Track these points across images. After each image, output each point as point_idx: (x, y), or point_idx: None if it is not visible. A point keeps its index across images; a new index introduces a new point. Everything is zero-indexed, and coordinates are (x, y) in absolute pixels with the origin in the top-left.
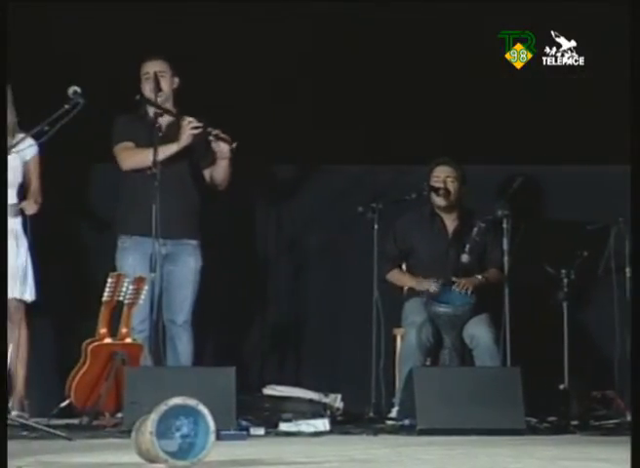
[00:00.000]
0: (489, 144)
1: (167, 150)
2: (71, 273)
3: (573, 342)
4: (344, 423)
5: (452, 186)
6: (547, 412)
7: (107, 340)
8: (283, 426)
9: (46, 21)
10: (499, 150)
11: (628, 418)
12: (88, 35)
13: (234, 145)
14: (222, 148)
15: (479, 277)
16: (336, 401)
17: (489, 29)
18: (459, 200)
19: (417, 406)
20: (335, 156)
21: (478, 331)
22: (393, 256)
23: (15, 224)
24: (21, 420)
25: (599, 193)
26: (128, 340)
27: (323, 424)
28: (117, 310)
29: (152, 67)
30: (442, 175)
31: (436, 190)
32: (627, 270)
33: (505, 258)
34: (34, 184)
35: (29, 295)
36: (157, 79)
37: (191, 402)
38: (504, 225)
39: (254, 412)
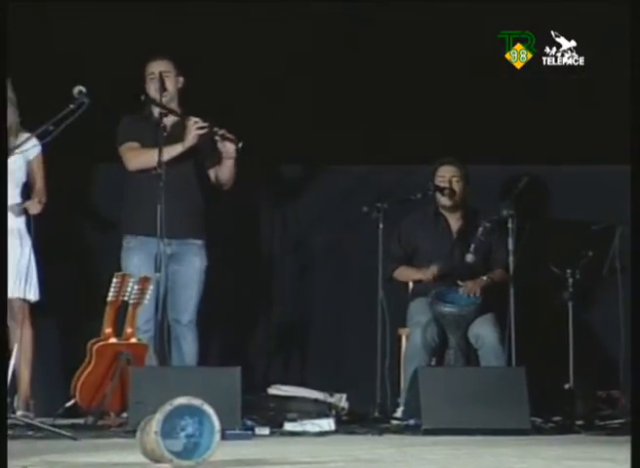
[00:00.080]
0: (489, 144)
1: (172, 151)
2: (76, 273)
3: (578, 342)
4: (349, 423)
5: (457, 186)
6: (552, 412)
7: (112, 340)
8: (288, 426)
9: (49, 21)
10: (499, 150)
11: None
12: (91, 35)
13: (240, 145)
14: (228, 148)
15: (484, 278)
16: (341, 400)
17: (489, 29)
18: (463, 200)
19: (422, 405)
20: (339, 156)
21: (483, 331)
22: (398, 256)
23: (18, 224)
24: (27, 420)
25: (604, 193)
26: (133, 340)
27: (328, 424)
28: (122, 310)
29: (157, 67)
30: (447, 175)
31: (441, 190)
32: None
33: (510, 258)
34: (38, 184)
35: (33, 295)
36: (162, 79)
37: (196, 402)
38: (510, 225)
39: (259, 412)
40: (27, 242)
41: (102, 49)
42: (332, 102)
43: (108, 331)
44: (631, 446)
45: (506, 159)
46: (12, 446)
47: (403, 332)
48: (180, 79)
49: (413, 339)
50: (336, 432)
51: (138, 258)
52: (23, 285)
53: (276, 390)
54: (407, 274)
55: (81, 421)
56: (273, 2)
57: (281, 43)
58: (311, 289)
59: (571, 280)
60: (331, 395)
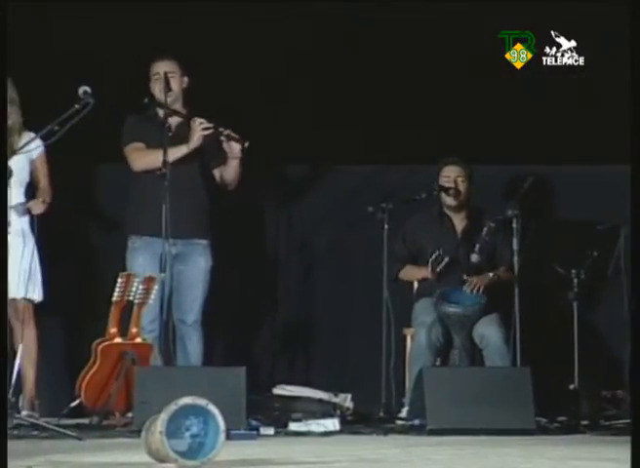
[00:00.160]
0: (491, 144)
1: (177, 152)
2: (80, 273)
3: (583, 342)
4: (354, 423)
5: (462, 186)
6: (557, 412)
7: (117, 340)
8: (293, 426)
9: (54, 21)
10: (501, 150)
11: None
12: (95, 35)
13: (246, 144)
14: (234, 148)
15: (490, 275)
16: (345, 401)
17: (489, 29)
18: (468, 200)
19: (427, 406)
20: (344, 156)
21: (488, 331)
22: (403, 257)
23: (22, 224)
24: (32, 420)
25: (609, 193)
26: (138, 340)
27: (333, 424)
28: (127, 310)
29: (162, 67)
30: (452, 175)
31: (446, 190)
32: None
33: (515, 258)
34: (42, 183)
35: (37, 295)
36: (167, 79)
37: (201, 401)
38: (514, 225)
39: (264, 412)
40: (31, 242)
41: (107, 49)
42: (337, 103)
43: (113, 330)
44: (631, 446)
45: (509, 159)
46: (17, 445)
47: (408, 333)
48: (185, 79)
49: (417, 339)
50: (340, 432)
51: (143, 259)
52: (28, 285)
53: (281, 390)
54: (412, 273)
55: (86, 421)
56: (277, 2)
57: (286, 43)
58: (316, 289)
59: (576, 280)
60: (335, 395)
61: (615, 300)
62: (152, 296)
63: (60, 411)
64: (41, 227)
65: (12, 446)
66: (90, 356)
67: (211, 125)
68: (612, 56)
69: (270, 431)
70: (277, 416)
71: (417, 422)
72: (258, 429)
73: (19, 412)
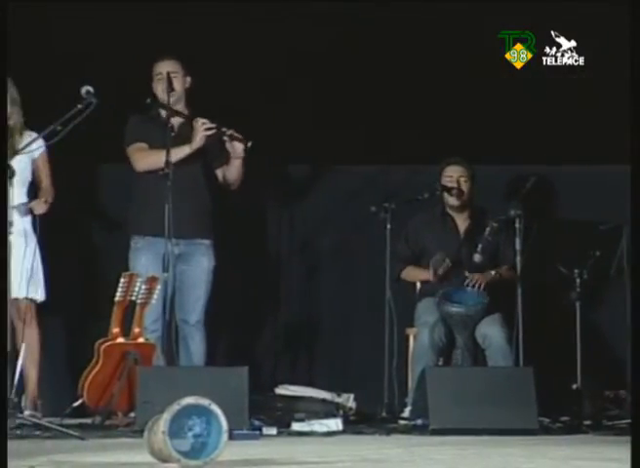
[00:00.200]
0: (492, 144)
1: (180, 152)
2: (82, 273)
3: (585, 342)
4: (357, 423)
5: (465, 186)
6: (560, 412)
7: (120, 340)
8: (295, 426)
9: (55, 21)
10: (502, 150)
11: None
12: (97, 35)
13: (249, 144)
14: (237, 148)
15: (492, 272)
16: (348, 400)
17: (489, 29)
18: (470, 200)
19: (429, 405)
20: (347, 156)
21: (491, 331)
22: (405, 257)
23: (24, 223)
24: (34, 420)
25: (612, 193)
26: (140, 340)
27: (336, 424)
28: (130, 310)
29: (165, 67)
30: (455, 175)
31: (449, 190)
32: None
33: (518, 258)
34: (44, 183)
35: (40, 295)
36: (170, 79)
37: (204, 401)
38: (517, 225)
39: (266, 412)
40: (33, 241)
41: (109, 49)
42: (339, 103)
43: (116, 330)
44: (631, 446)
45: (511, 159)
46: (19, 445)
47: (410, 332)
48: (188, 79)
49: (420, 339)
50: (343, 432)
51: (145, 259)
52: (30, 285)
53: (284, 390)
54: (414, 274)
55: (88, 421)
56: (279, 2)
57: (288, 43)
58: (319, 289)
59: (578, 280)
60: (338, 395)
61: (617, 300)
62: (155, 296)
63: (62, 411)
64: (43, 227)
65: (14, 445)
66: (92, 356)
67: (213, 125)
68: (612, 56)
69: (273, 431)
70: (280, 416)
71: (419, 422)
72: (260, 429)
73: (21, 412)
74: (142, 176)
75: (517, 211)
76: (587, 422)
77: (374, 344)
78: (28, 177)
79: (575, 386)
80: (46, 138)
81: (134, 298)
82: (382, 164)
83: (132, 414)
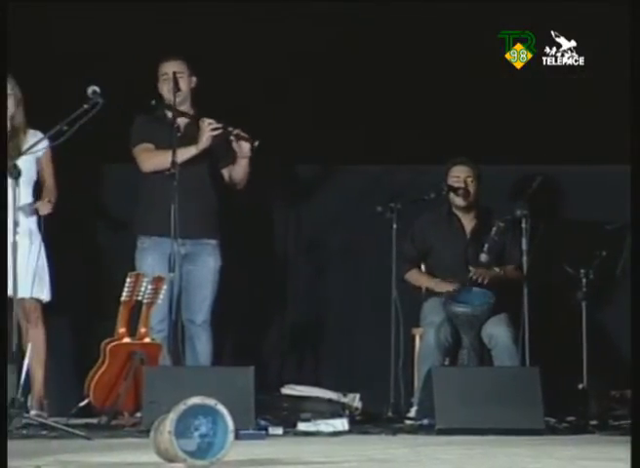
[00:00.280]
0: (497, 144)
1: (186, 153)
2: (88, 273)
3: (591, 342)
4: (363, 423)
5: (472, 186)
6: (566, 412)
7: (126, 340)
8: (301, 426)
9: (60, 21)
10: (507, 150)
11: None
12: (100, 35)
13: (256, 144)
14: (243, 147)
15: (496, 270)
16: (354, 400)
17: (489, 29)
18: (476, 200)
19: (435, 405)
20: (353, 156)
21: (497, 331)
22: (411, 257)
23: (30, 224)
24: (40, 419)
25: (617, 193)
26: (147, 340)
27: (342, 424)
28: (136, 310)
29: (171, 68)
30: (462, 175)
31: (455, 190)
32: None
33: (524, 258)
34: (48, 181)
35: (45, 295)
36: (175, 79)
37: (210, 401)
38: (523, 225)
39: (272, 412)
40: (38, 241)
41: (114, 49)
42: (345, 103)
43: (122, 330)
44: (631, 446)
45: (517, 159)
46: (25, 445)
47: (417, 332)
48: (194, 79)
49: (426, 339)
50: (349, 432)
51: (152, 259)
52: (36, 285)
53: (290, 390)
54: (419, 280)
55: (95, 421)
56: (286, 2)
57: (294, 43)
58: (325, 288)
59: (584, 280)
60: (344, 395)
61: (623, 300)
62: (161, 296)
63: (68, 411)
64: (49, 227)
65: (20, 445)
66: (98, 356)
67: (220, 125)
68: (612, 56)
69: (279, 431)
70: (286, 416)
71: (425, 422)
72: (266, 429)
73: (27, 412)
74: (149, 177)
75: (523, 211)
76: (594, 422)
77: (380, 344)
78: (33, 177)
79: (581, 386)
80: (52, 138)
81: (140, 298)
82: (388, 164)
83: (138, 414)
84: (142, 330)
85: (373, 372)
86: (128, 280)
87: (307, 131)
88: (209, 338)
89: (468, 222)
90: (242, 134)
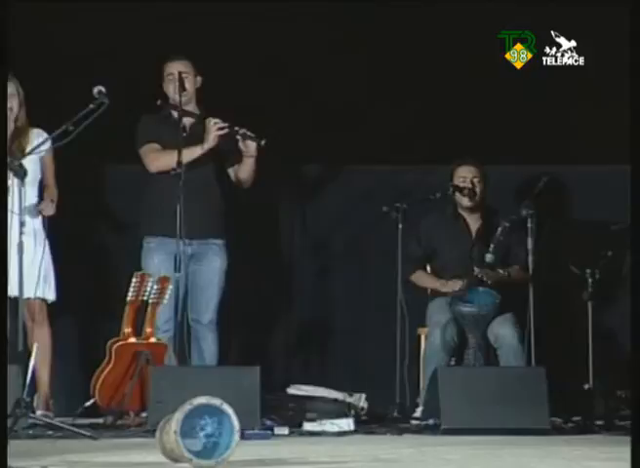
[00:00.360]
0: (503, 144)
1: (192, 152)
2: (94, 273)
3: (597, 342)
4: (369, 423)
5: (478, 186)
6: (572, 412)
7: (132, 340)
8: (307, 426)
9: (67, 21)
10: (513, 150)
11: None
12: (105, 35)
13: (262, 143)
14: (250, 147)
15: (501, 271)
16: (360, 400)
17: (489, 29)
18: (482, 200)
19: (441, 405)
20: (359, 156)
21: (503, 331)
22: (417, 257)
23: (35, 224)
24: (46, 419)
25: (623, 193)
26: (152, 340)
27: (347, 424)
28: (142, 310)
29: (176, 68)
30: (469, 176)
31: (461, 190)
32: None
33: (530, 258)
34: (49, 182)
35: (51, 295)
36: (181, 79)
37: (216, 401)
38: (529, 225)
39: (278, 412)
40: (44, 241)
41: (119, 49)
42: (351, 103)
43: (128, 330)
44: (631, 446)
45: (522, 159)
46: (31, 445)
47: (422, 332)
48: (199, 79)
49: (432, 339)
50: (355, 432)
51: (158, 259)
52: (42, 285)
53: (295, 390)
54: (425, 281)
55: (100, 421)
56: (291, 1)
57: (300, 42)
58: (331, 288)
59: (590, 280)
60: (350, 395)
61: (629, 300)
62: (167, 296)
63: (74, 411)
64: (55, 227)
65: (26, 445)
66: (104, 356)
67: (226, 124)
68: (612, 56)
69: (285, 431)
70: (291, 416)
71: (431, 422)
72: (272, 429)
73: (33, 412)
74: (155, 177)
75: (529, 210)
76: (599, 422)
77: (385, 344)
78: (38, 176)
79: (587, 386)
80: (57, 139)
81: (146, 298)
82: (394, 164)
83: (144, 414)
84: (148, 329)
85: (378, 372)
86: (134, 280)
87: (314, 130)
88: (215, 338)
89: (474, 222)
90: (248, 133)
